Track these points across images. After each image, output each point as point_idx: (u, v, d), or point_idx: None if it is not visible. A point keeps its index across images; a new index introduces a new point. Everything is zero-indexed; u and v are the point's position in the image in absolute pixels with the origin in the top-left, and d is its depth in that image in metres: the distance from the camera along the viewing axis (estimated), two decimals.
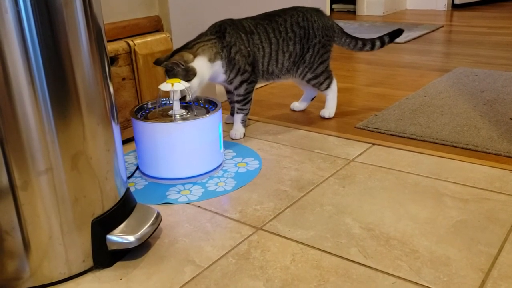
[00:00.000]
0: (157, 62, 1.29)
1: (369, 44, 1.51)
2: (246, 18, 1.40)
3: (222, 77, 1.35)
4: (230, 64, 1.33)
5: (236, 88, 1.38)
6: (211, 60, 1.30)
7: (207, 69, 1.29)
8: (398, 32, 1.53)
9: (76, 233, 0.82)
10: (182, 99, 1.23)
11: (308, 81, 1.48)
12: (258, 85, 1.45)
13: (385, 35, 1.52)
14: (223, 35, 1.32)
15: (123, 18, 1.39)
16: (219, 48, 1.31)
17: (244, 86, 1.37)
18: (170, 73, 1.25)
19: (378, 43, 1.52)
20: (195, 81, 1.26)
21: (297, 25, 1.41)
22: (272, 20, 1.40)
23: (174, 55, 1.27)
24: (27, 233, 0.78)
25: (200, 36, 1.34)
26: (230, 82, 1.37)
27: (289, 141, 1.38)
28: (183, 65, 1.24)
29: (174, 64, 1.24)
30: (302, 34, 1.41)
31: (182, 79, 1.23)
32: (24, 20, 0.70)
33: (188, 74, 1.25)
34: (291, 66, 1.43)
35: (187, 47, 1.30)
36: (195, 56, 1.27)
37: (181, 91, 1.20)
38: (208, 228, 0.97)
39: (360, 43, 1.51)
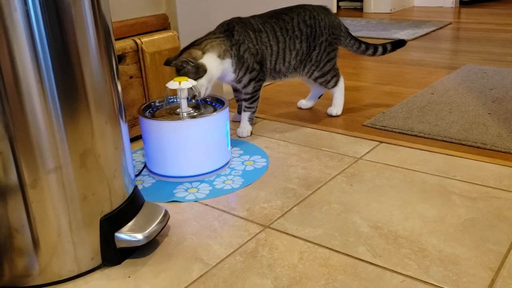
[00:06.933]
0: (167, 63, 1.29)
1: (372, 49, 1.52)
2: (253, 16, 1.40)
3: (231, 76, 1.35)
4: (239, 63, 1.33)
5: (244, 87, 1.38)
6: (220, 56, 1.29)
7: (216, 65, 1.29)
8: (401, 43, 1.56)
9: (85, 231, 0.83)
10: (192, 98, 1.23)
11: (315, 79, 1.48)
12: (265, 83, 1.45)
13: (388, 43, 1.55)
14: (231, 34, 1.32)
15: (131, 16, 1.39)
16: (228, 46, 1.31)
17: (252, 84, 1.37)
18: (181, 72, 1.25)
19: (380, 49, 1.53)
20: (205, 78, 1.26)
21: (304, 23, 1.40)
22: (279, 18, 1.39)
23: (183, 53, 1.27)
24: (36, 230, 0.79)
25: (209, 34, 1.33)
26: (239, 81, 1.37)
27: (296, 139, 1.38)
28: (192, 63, 1.24)
29: (184, 62, 1.23)
30: (309, 32, 1.41)
31: (192, 77, 1.23)
32: (32, 19, 0.70)
33: (199, 71, 1.25)
34: (298, 65, 1.43)
35: (195, 44, 1.30)
36: (204, 53, 1.27)
37: (189, 90, 1.20)
38: (215, 226, 0.97)
39: (363, 46, 1.51)
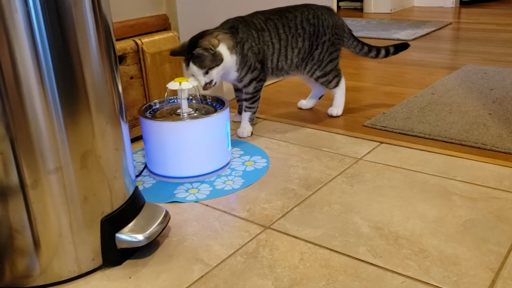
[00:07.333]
0: (174, 53, 1.29)
1: (374, 51, 1.53)
2: (256, 13, 1.40)
3: (233, 74, 1.34)
4: (242, 61, 1.33)
5: (245, 86, 1.38)
6: (229, 49, 1.29)
7: (228, 57, 1.29)
8: (404, 46, 1.56)
9: (86, 232, 0.83)
10: (209, 83, 1.26)
11: (317, 79, 1.48)
12: (266, 83, 1.45)
13: (391, 45, 1.55)
14: (236, 31, 1.32)
15: (131, 17, 1.39)
16: (234, 42, 1.31)
17: (254, 84, 1.37)
18: (197, 60, 1.24)
19: (383, 52, 1.53)
20: (221, 67, 1.26)
21: (307, 22, 1.41)
22: (282, 15, 1.40)
23: (201, 41, 1.25)
24: (37, 231, 0.79)
25: (215, 28, 1.33)
26: (241, 80, 1.37)
27: (296, 140, 1.38)
28: (212, 50, 1.24)
29: (205, 50, 1.23)
30: (312, 31, 1.41)
31: (209, 65, 1.24)
32: (33, 20, 0.70)
33: (216, 60, 1.25)
34: (300, 63, 1.43)
35: (207, 33, 1.29)
36: (219, 42, 1.27)
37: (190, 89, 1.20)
38: (216, 227, 0.97)
39: (366, 48, 1.51)
